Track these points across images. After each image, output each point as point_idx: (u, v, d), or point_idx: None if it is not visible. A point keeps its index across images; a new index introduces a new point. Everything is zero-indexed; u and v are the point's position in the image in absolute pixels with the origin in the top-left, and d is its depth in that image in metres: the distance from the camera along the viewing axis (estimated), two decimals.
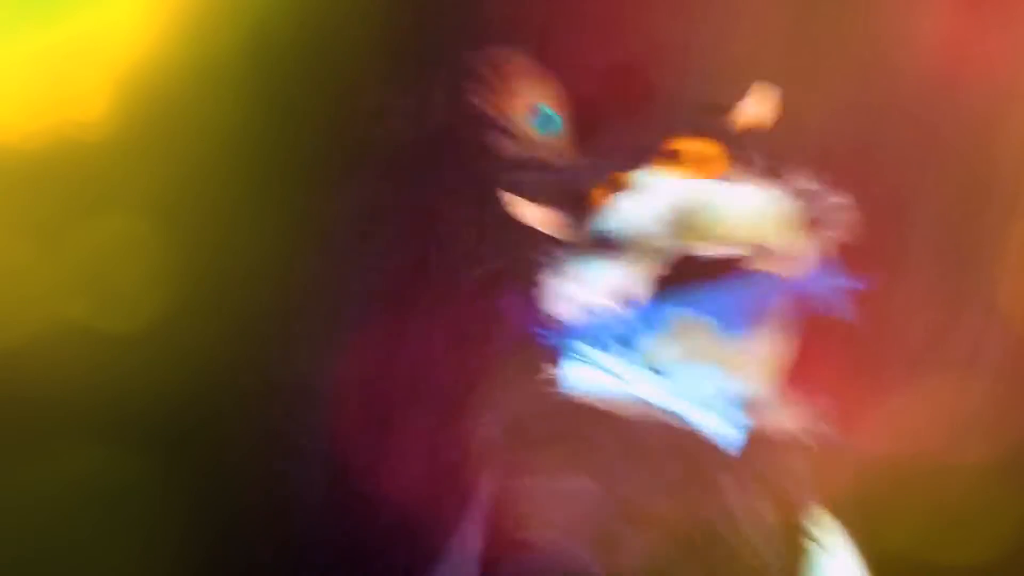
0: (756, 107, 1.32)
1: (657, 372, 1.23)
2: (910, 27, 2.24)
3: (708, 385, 1.23)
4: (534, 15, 2.27)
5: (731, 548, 1.20)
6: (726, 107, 1.33)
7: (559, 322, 1.29)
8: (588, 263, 1.24)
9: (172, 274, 2.10)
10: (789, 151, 1.41)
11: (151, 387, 2.09)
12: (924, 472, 2.31)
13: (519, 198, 1.31)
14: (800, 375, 2.26)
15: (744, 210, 1.26)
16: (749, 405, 1.28)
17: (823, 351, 2.32)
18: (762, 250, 1.26)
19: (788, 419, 1.31)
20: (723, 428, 1.23)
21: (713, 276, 1.20)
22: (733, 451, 1.21)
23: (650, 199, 1.21)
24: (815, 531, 1.32)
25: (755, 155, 1.32)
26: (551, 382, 1.28)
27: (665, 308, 1.20)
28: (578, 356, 1.27)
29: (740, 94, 1.35)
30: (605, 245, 1.23)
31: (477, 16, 2.26)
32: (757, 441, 1.27)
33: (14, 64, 1.98)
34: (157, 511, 2.13)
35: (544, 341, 1.33)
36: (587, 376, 1.25)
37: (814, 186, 1.33)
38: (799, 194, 1.32)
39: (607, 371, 1.24)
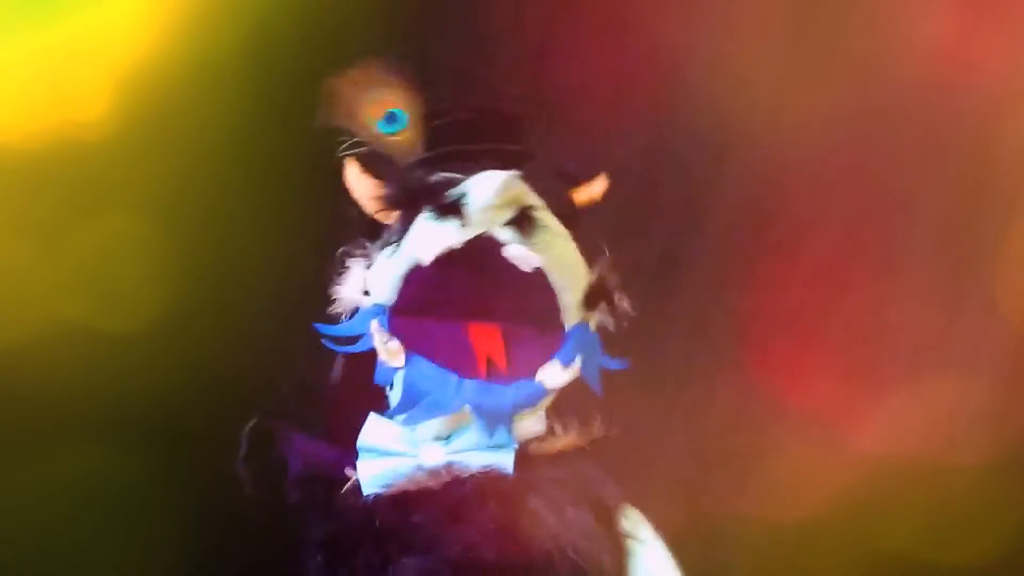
0: (595, 191, 1.41)
1: (436, 438, 1.34)
2: (909, 28, 2.24)
3: (481, 434, 1.31)
4: (534, 15, 2.27)
5: (568, 563, 1.27)
6: (573, 181, 1.42)
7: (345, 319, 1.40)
8: (425, 225, 1.34)
9: (172, 274, 2.10)
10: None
11: (151, 387, 2.09)
12: (924, 472, 2.31)
13: (354, 168, 1.42)
14: (801, 375, 2.26)
15: (559, 237, 1.34)
16: (523, 435, 1.35)
17: (823, 351, 2.32)
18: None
19: (566, 437, 1.35)
20: (501, 458, 1.31)
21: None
22: (509, 470, 1.29)
23: (491, 181, 1.30)
24: (631, 527, 1.35)
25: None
26: (353, 491, 1.38)
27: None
28: (367, 452, 1.37)
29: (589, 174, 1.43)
30: (442, 208, 1.33)
31: (477, 16, 2.26)
32: (546, 459, 1.33)
33: (14, 64, 1.98)
34: (157, 511, 2.13)
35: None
36: (379, 468, 1.36)
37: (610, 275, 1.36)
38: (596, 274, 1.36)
39: (392, 454, 1.35)
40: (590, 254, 1.42)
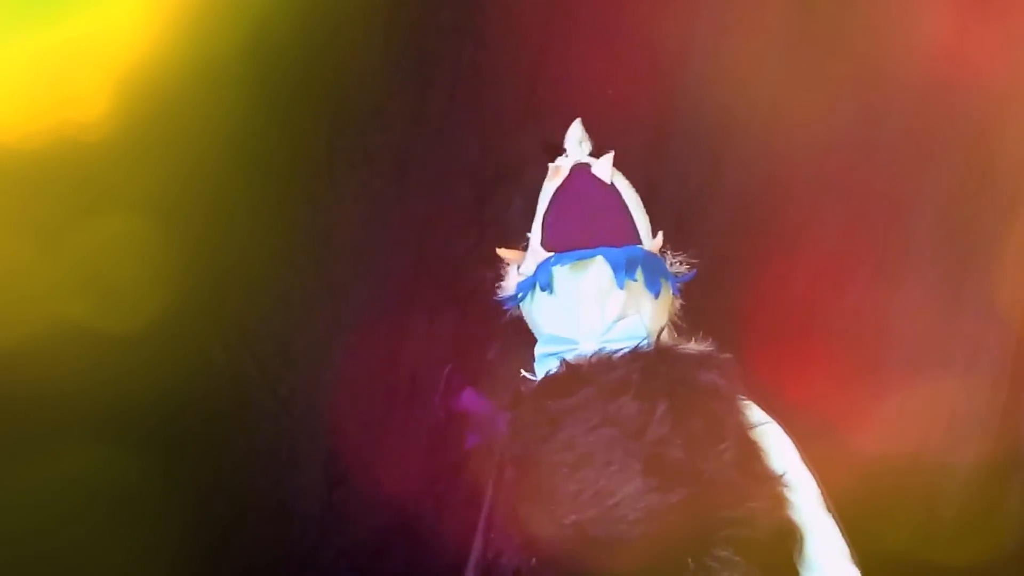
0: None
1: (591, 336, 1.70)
2: (909, 29, 2.24)
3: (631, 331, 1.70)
4: (534, 15, 2.28)
5: (694, 448, 1.57)
6: None
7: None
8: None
9: (172, 274, 2.10)
10: None
11: (151, 387, 2.09)
12: (924, 472, 2.31)
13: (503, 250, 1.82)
14: (802, 374, 2.26)
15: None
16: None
17: (825, 351, 2.32)
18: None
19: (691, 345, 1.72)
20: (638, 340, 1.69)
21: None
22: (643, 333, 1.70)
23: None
24: (753, 416, 1.64)
25: None
26: (528, 382, 1.68)
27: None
28: (542, 357, 1.71)
29: None
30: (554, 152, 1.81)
31: (478, 16, 2.26)
32: (676, 356, 1.67)
33: (14, 64, 1.99)
34: (157, 511, 2.13)
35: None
36: (550, 362, 1.69)
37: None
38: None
39: (561, 344, 1.70)
40: None
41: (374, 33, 2.25)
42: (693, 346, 1.69)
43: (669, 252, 1.76)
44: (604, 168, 1.74)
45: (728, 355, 1.67)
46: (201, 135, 2.12)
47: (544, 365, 1.69)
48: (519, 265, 1.77)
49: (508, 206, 2.24)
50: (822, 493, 1.63)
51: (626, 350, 1.64)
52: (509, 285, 1.77)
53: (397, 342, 2.31)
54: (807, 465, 1.63)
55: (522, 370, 1.71)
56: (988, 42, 2.23)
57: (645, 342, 1.67)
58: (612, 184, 1.75)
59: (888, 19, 2.24)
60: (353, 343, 2.29)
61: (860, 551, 2.15)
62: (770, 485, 1.59)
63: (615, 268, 1.69)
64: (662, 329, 1.69)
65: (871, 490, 2.24)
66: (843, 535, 1.61)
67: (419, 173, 2.30)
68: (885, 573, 2.23)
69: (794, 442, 1.64)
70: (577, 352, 1.67)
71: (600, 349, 1.65)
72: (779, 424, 1.66)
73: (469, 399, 1.74)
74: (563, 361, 1.65)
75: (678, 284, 1.75)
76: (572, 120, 1.77)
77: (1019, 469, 2.34)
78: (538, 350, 1.72)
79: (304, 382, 2.32)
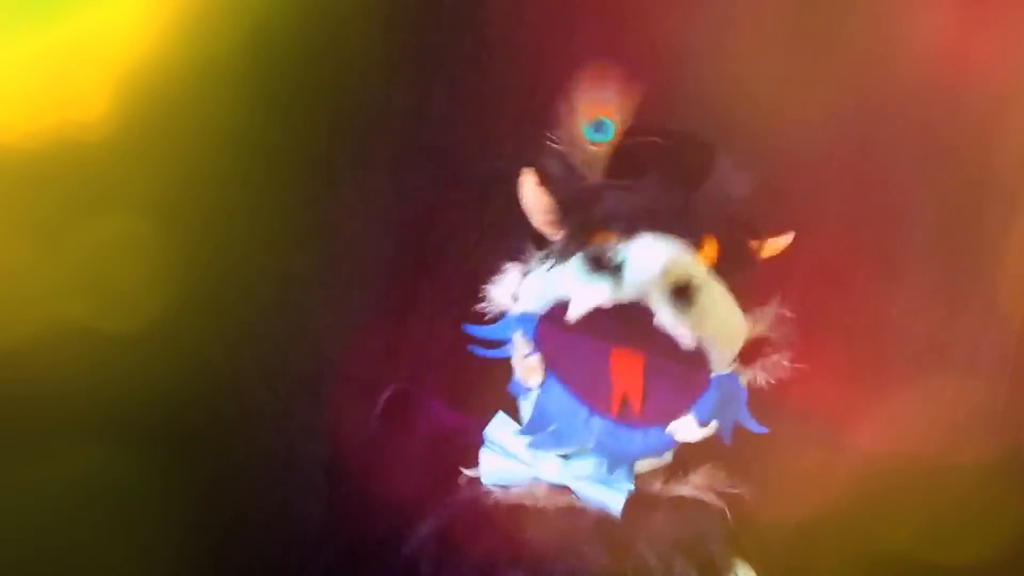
0: (780, 245, 1.42)
1: (560, 456, 1.31)
2: (909, 29, 2.24)
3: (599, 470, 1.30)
4: (534, 14, 2.28)
5: None
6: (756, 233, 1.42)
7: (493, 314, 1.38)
8: (576, 275, 1.25)
9: (172, 274, 2.10)
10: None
11: (151, 387, 2.09)
12: (924, 472, 2.31)
13: (531, 181, 1.33)
14: (802, 374, 2.26)
15: (719, 307, 1.30)
16: (652, 476, 1.36)
17: (823, 351, 2.32)
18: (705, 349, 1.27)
19: (695, 485, 1.36)
20: (613, 498, 1.29)
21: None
22: (617, 513, 1.27)
23: (654, 252, 1.24)
24: None
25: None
26: (473, 481, 1.40)
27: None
28: (491, 445, 1.37)
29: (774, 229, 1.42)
30: (598, 265, 1.23)
31: (478, 14, 2.26)
32: (664, 506, 1.32)
33: (14, 64, 1.98)
34: (157, 511, 2.13)
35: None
36: (500, 466, 1.35)
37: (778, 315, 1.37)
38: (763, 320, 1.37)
39: (515, 457, 1.33)
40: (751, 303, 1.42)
41: (374, 33, 2.25)
42: (690, 490, 1.35)
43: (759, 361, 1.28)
44: (676, 330, 1.17)
45: (734, 491, 1.36)
46: (201, 135, 2.11)
47: (488, 458, 1.35)
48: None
49: (508, 206, 2.24)
50: None
51: (591, 511, 1.27)
52: (497, 301, 1.34)
53: (397, 342, 2.31)
54: None
55: (463, 470, 1.43)
56: (988, 42, 2.23)
57: (621, 491, 1.27)
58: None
59: (889, 19, 2.24)
60: (353, 343, 2.29)
61: (860, 551, 2.16)
62: None
63: (605, 467, 1.23)
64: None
65: (871, 490, 2.24)
66: None
67: (419, 173, 2.30)
68: (885, 573, 2.23)
69: None
70: (531, 476, 1.30)
71: (560, 485, 1.28)
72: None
73: (435, 417, 1.49)
74: (503, 498, 1.31)
75: (733, 426, 1.26)
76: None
77: (1019, 469, 2.34)
78: (488, 431, 1.37)
79: (304, 382, 2.32)
